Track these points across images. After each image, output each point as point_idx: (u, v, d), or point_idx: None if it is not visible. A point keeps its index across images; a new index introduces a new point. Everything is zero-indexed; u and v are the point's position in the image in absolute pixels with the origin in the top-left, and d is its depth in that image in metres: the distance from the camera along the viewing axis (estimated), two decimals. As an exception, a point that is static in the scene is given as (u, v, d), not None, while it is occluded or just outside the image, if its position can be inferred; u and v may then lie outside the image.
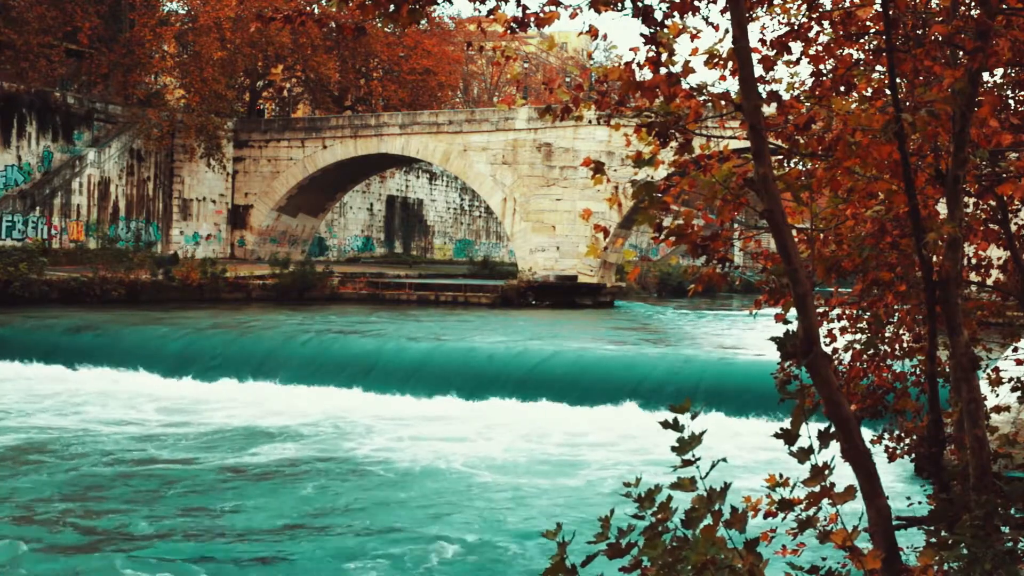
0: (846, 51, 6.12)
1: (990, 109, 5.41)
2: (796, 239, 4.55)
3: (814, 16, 6.03)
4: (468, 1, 4.77)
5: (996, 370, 8.70)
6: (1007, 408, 8.35)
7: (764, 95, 4.87)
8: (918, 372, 7.78)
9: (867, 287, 6.86)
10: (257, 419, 19.01)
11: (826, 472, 3.90)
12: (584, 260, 41.26)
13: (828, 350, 6.83)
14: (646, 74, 4.71)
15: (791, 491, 4.10)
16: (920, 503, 7.64)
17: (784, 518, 4.17)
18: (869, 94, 6.40)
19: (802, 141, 5.69)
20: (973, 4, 5.73)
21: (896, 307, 7.52)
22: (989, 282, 8.09)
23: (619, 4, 4.60)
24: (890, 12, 5.07)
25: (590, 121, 32.03)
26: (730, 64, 5.01)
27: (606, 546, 3.59)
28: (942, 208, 5.93)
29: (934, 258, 5.36)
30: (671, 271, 57.19)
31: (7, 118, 39.42)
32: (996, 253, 8.04)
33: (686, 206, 5.80)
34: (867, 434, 5.42)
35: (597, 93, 4.93)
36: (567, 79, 43.55)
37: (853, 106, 5.59)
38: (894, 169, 5.31)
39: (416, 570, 10.88)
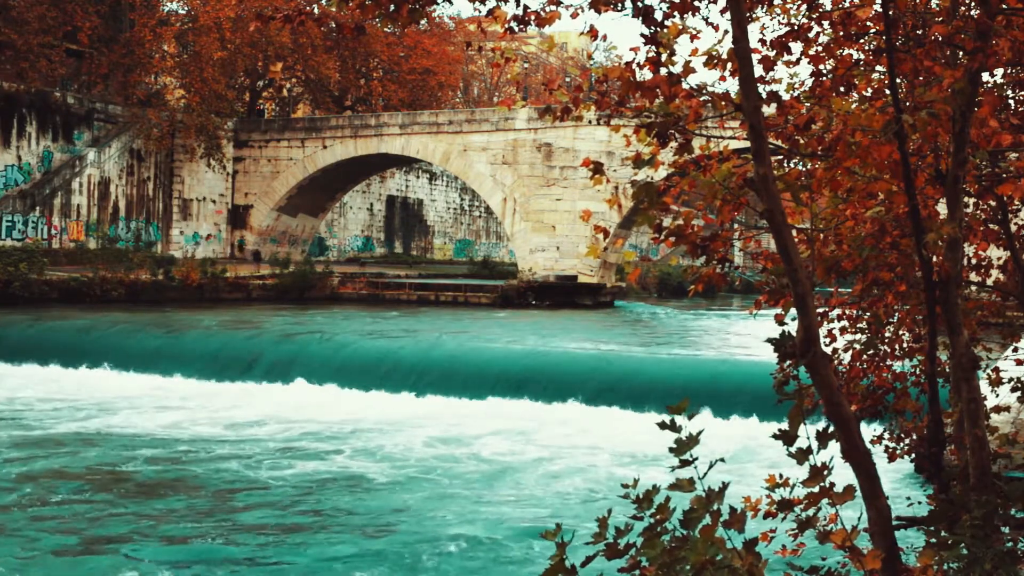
0: (846, 51, 6.12)
1: (990, 109, 5.41)
2: (796, 239, 4.55)
3: (814, 16, 6.02)
4: (468, 1, 4.77)
5: (996, 370, 8.69)
6: (1007, 408, 8.34)
7: (764, 95, 4.86)
8: (918, 372, 7.77)
9: (867, 287, 6.86)
10: (256, 418, 19.02)
11: (825, 472, 3.89)
12: (584, 260, 41.25)
13: (828, 350, 6.82)
14: (646, 74, 4.70)
15: (791, 491, 4.09)
16: (920, 503, 7.64)
17: (784, 518, 4.16)
18: (869, 94, 6.39)
19: (802, 141, 5.68)
20: (973, 4, 5.72)
21: (896, 307, 7.51)
22: (989, 282, 8.08)
23: (619, 4, 4.60)
24: (890, 12, 5.07)
25: (590, 121, 32.03)
26: (730, 64, 5.01)
27: (604, 546, 3.59)
28: (942, 208, 5.93)
29: (934, 258, 5.35)
30: (671, 271, 57.16)
31: (7, 118, 39.40)
32: (996, 253, 8.02)
33: (686, 206, 5.80)
34: (867, 434, 5.42)
35: (597, 93, 4.92)
36: (567, 79, 43.55)
37: (853, 106, 5.58)
38: (894, 169, 5.31)
39: (416, 570, 10.88)
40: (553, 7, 4.78)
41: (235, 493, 13.99)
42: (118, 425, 18.17)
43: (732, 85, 4.96)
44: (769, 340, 4.72)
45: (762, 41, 6.06)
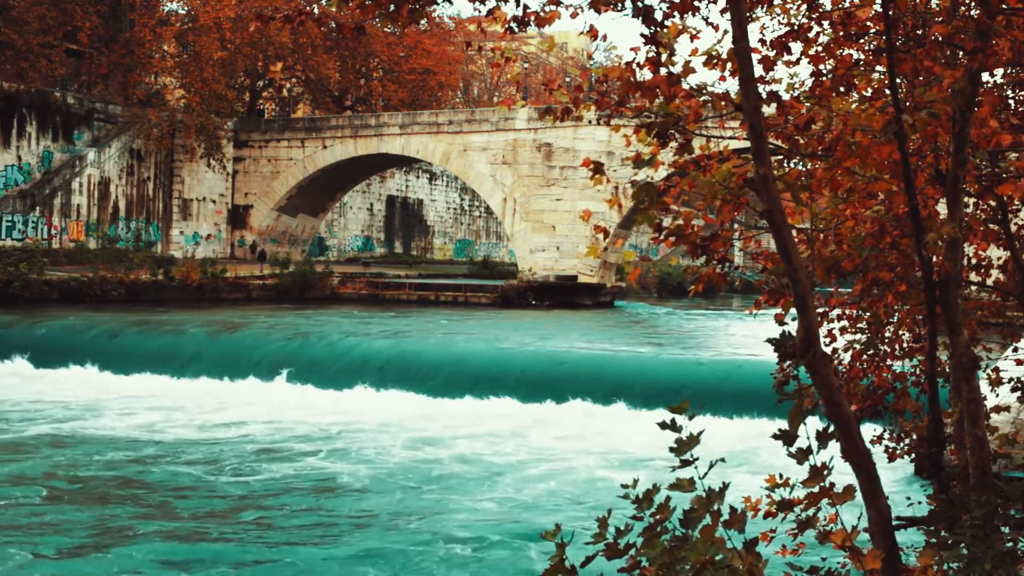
0: (846, 51, 6.11)
1: (990, 109, 5.41)
2: (796, 239, 4.55)
3: (814, 16, 6.02)
4: (468, 1, 4.77)
5: (996, 370, 8.69)
6: (1007, 408, 8.34)
7: (764, 95, 4.86)
8: (918, 372, 7.77)
9: (867, 287, 6.86)
10: (253, 416, 19.03)
11: (825, 472, 3.89)
12: (584, 260, 41.24)
13: (828, 350, 6.82)
14: (646, 74, 4.70)
15: (791, 491, 4.09)
16: (920, 503, 7.63)
17: (784, 518, 4.16)
18: (869, 94, 6.39)
19: (802, 141, 5.68)
20: (973, 4, 5.72)
21: (896, 307, 7.51)
22: (989, 282, 8.08)
23: (619, 4, 4.60)
24: (890, 12, 5.07)
25: (590, 121, 32.02)
26: (730, 64, 5.01)
27: (604, 546, 3.59)
28: (942, 208, 5.93)
29: (934, 258, 5.35)
30: (671, 271, 57.15)
31: (7, 118, 39.39)
32: (996, 253, 8.03)
33: (686, 206, 5.80)
34: (867, 434, 5.42)
35: (597, 93, 4.92)
36: (567, 79, 43.54)
37: (853, 106, 5.58)
38: (894, 169, 5.31)
39: (416, 570, 10.87)
40: (553, 7, 4.78)
41: (230, 495, 13.99)
42: (104, 426, 18.16)
43: (732, 85, 4.96)
44: (769, 340, 4.72)
45: (762, 41, 6.05)
